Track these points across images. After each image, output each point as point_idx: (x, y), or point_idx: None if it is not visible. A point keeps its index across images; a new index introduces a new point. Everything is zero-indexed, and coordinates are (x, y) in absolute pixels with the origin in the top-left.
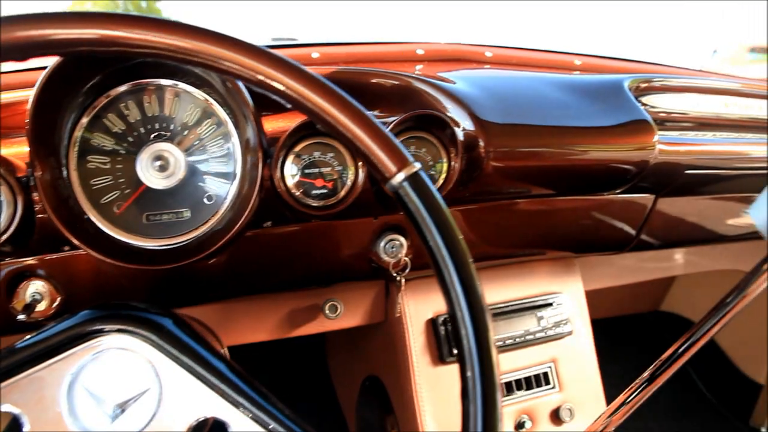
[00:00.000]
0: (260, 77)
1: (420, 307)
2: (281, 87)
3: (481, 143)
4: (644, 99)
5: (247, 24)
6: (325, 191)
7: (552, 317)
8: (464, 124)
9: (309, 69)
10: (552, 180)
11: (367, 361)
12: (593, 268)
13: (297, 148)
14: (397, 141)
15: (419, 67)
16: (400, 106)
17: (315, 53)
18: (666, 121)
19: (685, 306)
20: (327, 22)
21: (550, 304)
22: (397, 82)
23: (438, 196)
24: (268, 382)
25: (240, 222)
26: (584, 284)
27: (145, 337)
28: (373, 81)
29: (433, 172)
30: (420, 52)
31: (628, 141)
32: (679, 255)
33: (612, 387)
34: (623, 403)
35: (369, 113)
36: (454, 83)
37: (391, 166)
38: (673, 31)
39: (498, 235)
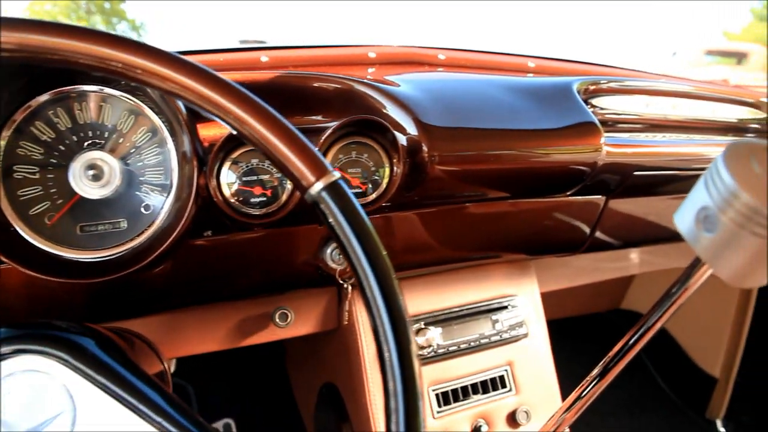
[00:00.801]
0: (164, 83)
1: None
2: (189, 95)
3: (425, 148)
4: (594, 101)
5: (218, 26)
6: (265, 199)
7: (507, 320)
8: (408, 128)
9: (223, 75)
10: (500, 183)
11: (323, 368)
12: (550, 270)
13: (234, 155)
14: (314, 149)
15: (371, 70)
16: (343, 110)
17: (264, 57)
18: (614, 123)
19: (645, 304)
20: (303, 25)
21: (506, 307)
22: (338, 86)
23: (358, 206)
24: (229, 388)
25: (175, 233)
26: (541, 286)
27: (60, 357)
28: (315, 85)
29: (376, 177)
30: (372, 55)
31: (574, 143)
32: (634, 254)
33: (574, 386)
34: (576, 400)
35: (285, 120)
36: (399, 86)
37: (309, 175)
38: (635, 35)
39: (452, 238)
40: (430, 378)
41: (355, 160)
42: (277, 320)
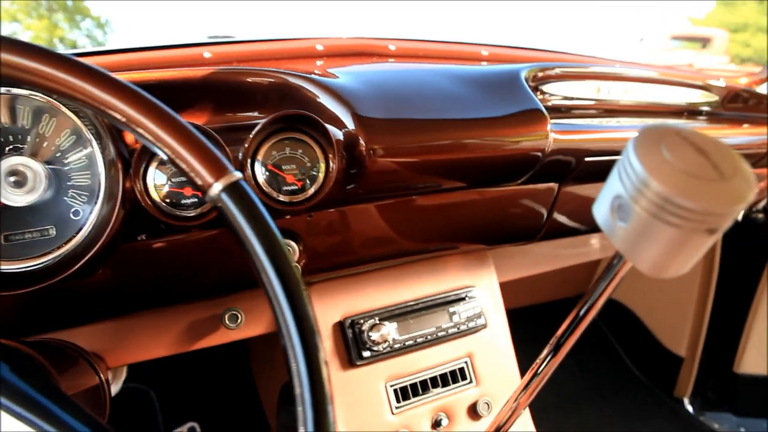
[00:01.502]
0: (46, 82)
1: (327, 311)
2: (76, 95)
3: (362, 141)
4: (544, 87)
5: (188, 22)
6: (197, 199)
7: (465, 312)
8: (346, 122)
9: (118, 76)
10: (447, 173)
11: (282, 367)
12: (509, 259)
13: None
14: (213, 148)
15: (319, 63)
16: (279, 105)
17: (207, 53)
18: (567, 109)
19: None
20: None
21: (463, 299)
22: (273, 81)
23: (261, 208)
24: (194, 390)
25: (102, 239)
26: (500, 275)
27: None
28: (249, 80)
29: (315, 173)
30: (319, 47)
31: (520, 131)
32: (594, 240)
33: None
34: (531, 379)
35: (182, 120)
36: (337, 78)
37: (207, 176)
38: (605, 22)
39: (408, 230)
40: (388, 373)
41: (289, 156)
42: (227, 322)
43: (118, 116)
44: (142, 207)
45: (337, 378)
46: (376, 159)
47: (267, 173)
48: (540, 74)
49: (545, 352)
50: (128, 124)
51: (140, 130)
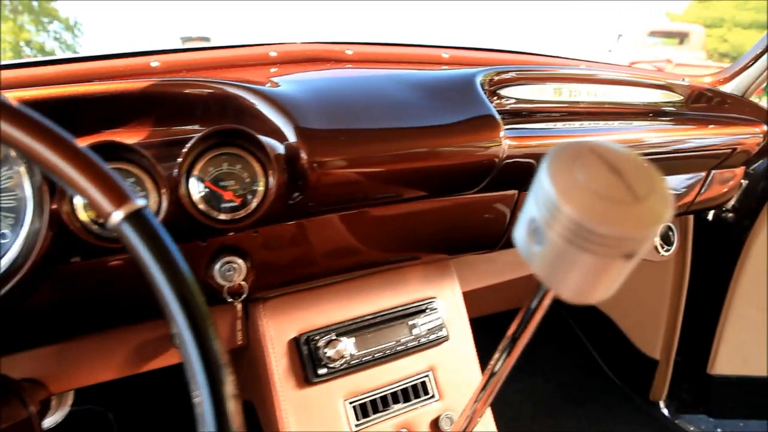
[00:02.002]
0: None
1: (282, 327)
2: None
3: (303, 155)
4: (503, 91)
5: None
6: None
7: (425, 324)
8: (287, 134)
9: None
10: (397, 184)
11: (241, 385)
12: (473, 267)
13: None
14: (112, 173)
15: (273, 70)
16: (220, 117)
17: (154, 62)
18: (528, 113)
19: None
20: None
21: (424, 310)
22: (212, 91)
23: (165, 238)
24: (155, 409)
25: (29, 263)
26: (465, 284)
27: None
28: (187, 92)
29: (256, 188)
30: (273, 54)
31: (472, 139)
32: None
33: (514, 379)
34: (490, 377)
35: (76, 142)
36: (279, 87)
37: (105, 205)
38: (584, 20)
39: (362, 242)
40: (346, 390)
41: (227, 172)
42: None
43: (11, 143)
44: (70, 229)
45: (293, 397)
46: (320, 172)
47: (205, 190)
48: (496, 78)
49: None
50: (24, 151)
51: (37, 158)
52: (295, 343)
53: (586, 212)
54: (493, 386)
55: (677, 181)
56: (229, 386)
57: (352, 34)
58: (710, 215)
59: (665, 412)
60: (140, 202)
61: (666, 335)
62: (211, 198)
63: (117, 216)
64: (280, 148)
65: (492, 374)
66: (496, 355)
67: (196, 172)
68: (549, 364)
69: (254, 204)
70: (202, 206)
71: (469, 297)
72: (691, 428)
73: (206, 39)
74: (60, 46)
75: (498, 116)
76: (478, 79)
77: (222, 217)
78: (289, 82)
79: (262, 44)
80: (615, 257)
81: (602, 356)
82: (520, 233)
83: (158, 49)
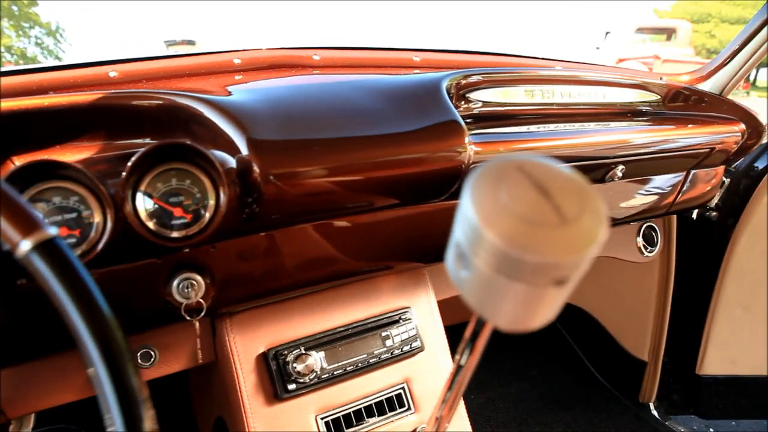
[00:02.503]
0: None
1: (249, 342)
2: None
3: (256, 168)
4: (473, 95)
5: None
6: (74, 240)
7: (399, 335)
8: (240, 146)
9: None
10: (359, 195)
11: (214, 400)
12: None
13: (32, 192)
14: (20, 200)
15: (238, 77)
16: (170, 129)
17: (113, 72)
18: (496, 117)
19: (571, 293)
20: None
21: (397, 321)
22: (160, 103)
23: (78, 267)
24: None
25: None
26: (440, 293)
27: None
28: (135, 104)
29: (207, 203)
30: (237, 61)
31: (435, 146)
32: None
33: (502, 384)
34: (445, 400)
35: None
36: (231, 96)
37: (11, 233)
38: (571, 16)
39: (330, 253)
40: (318, 405)
41: (177, 188)
42: (140, 361)
43: None
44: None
45: (262, 414)
46: (274, 184)
47: (155, 207)
48: (463, 81)
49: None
50: None
51: None
52: (264, 359)
53: (508, 238)
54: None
55: (657, 182)
56: (148, 423)
57: (339, 36)
58: (694, 214)
59: (655, 413)
60: (51, 231)
61: (654, 337)
62: (161, 214)
63: (25, 246)
64: (232, 162)
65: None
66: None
67: (143, 188)
68: (537, 369)
69: (206, 220)
70: (150, 224)
71: (445, 305)
72: (682, 429)
73: (191, 42)
74: (42, 51)
75: (462, 122)
76: (444, 84)
77: (174, 234)
78: (244, 91)
79: (226, 51)
80: (546, 285)
81: (590, 359)
82: (449, 257)
83: (117, 59)
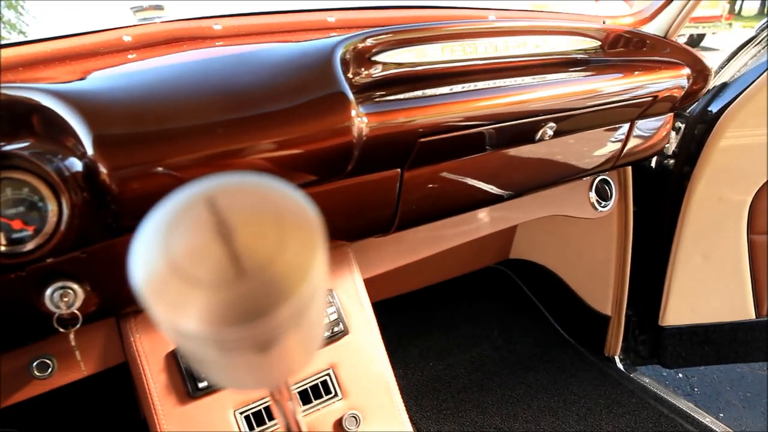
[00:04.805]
0: None
1: (156, 342)
2: None
3: (102, 169)
4: (380, 57)
5: None
6: None
7: None
8: (85, 144)
9: None
10: None
11: (137, 401)
12: (379, 249)
13: None
14: None
15: (131, 56)
16: (11, 129)
17: None
18: (398, 82)
19: (534, 250)
20: None
21: None
22: None
23: None
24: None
25: None
26: (370, 269)
27: None
28: None
29: (53, 209)
30: (127, 39)
31: (315, 123)
32: (482, 214)
33: (461, 349)
34: None
35: None
36: (73, 83)
37: None
38: None
39: None
40: (235, 400)
41: (13, 198)
42: (36, 372)
43: None
44: None
45: (175, 414)
46: (127, 183)
47: None
48: (361, 45)
49: None
50: None
51: None
52: (173, 357)
53: (169, 308)
54: None
55: (599, 136)
56: None
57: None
58: (653, 163)
59: (620, 367)
60: None
61: (616, 290)
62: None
63: None
64: (77, 164)
65: None
66: None
67: None
68: (497, 331)
69: (50, 230)
70: None
71: (377, 281)
72: (646, 380)
73: (159, 7)
74: (4, 26)
75: (349, 93)
76: (339, 50)
77: (19, 249)
78: (101, 78)
79: (115, 28)
80: (245, 353)
81: (554, 317)
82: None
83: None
